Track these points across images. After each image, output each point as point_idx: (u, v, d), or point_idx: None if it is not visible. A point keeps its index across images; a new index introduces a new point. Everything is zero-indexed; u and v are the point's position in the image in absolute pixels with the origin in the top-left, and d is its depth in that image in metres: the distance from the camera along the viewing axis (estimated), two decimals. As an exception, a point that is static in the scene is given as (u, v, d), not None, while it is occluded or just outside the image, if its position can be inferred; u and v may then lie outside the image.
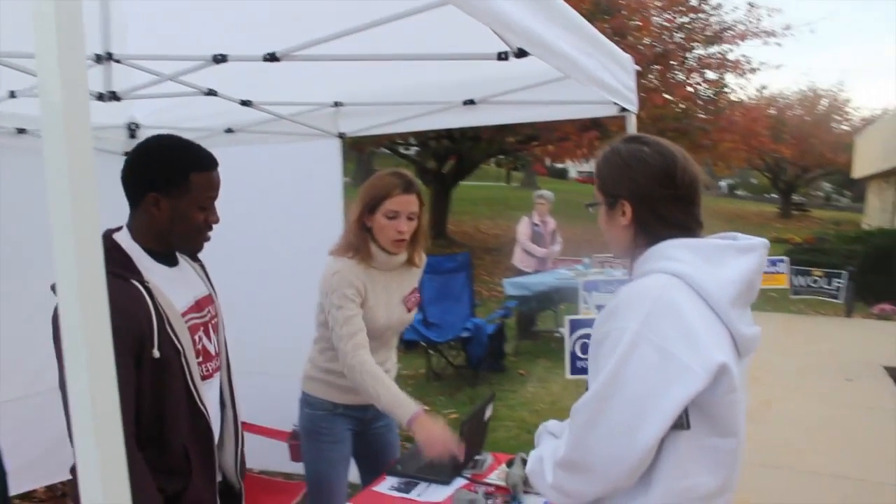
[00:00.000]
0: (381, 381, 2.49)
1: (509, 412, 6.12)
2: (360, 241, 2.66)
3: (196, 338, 2.00)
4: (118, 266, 1.82)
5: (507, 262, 15.13)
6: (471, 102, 3.84)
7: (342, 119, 4.27)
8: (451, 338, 6.90)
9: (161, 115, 3.92)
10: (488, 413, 2.81)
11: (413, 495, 2.48)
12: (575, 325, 5.60)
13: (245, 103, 3.48)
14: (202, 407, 1.95)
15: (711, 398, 1.45)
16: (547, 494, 1.62)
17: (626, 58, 3.41)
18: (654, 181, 1.57)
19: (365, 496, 2.50)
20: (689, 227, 1.59)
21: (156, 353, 1.80)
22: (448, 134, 16.01)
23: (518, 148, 16.68)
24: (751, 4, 18.12)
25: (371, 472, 2.82)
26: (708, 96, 16.59)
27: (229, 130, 4.06)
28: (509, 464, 2.54)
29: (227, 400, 2.19)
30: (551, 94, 3.61)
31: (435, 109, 3.93)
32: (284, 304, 4.19)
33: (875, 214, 23.86)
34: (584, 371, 5.54)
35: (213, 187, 1.95)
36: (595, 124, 13.27)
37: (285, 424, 3.57)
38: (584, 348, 5.61)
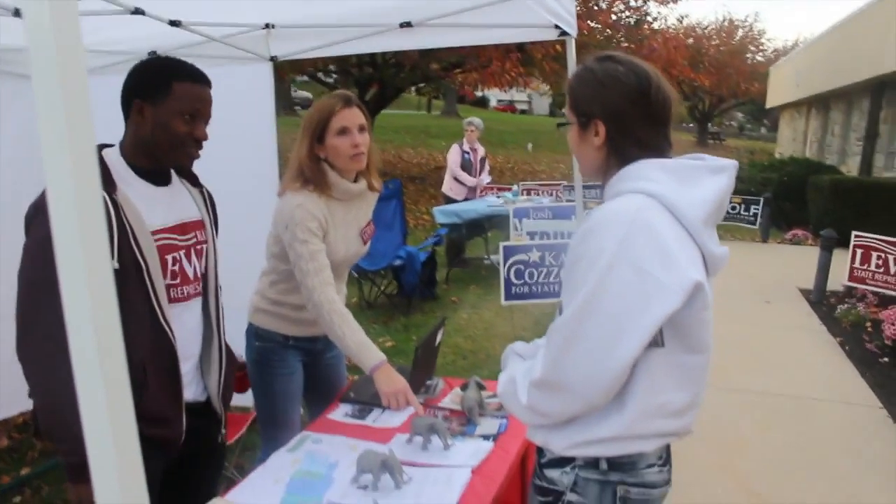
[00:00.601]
0: (348, 322, 2.46)
1: (445, 338, 6.19)
2: (316, 173, 2.56)
3: (169, 258, 1.98)
4: None
5: (431, 190, 15.27)
6: (407, 25, 3.74)
7: (273, 42, 4.12)
8: (384, 266, 6.88)
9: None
10: (439, 338, 2.82)
11: (368, 421, 2.49)
12: (509, 252, 5.70)
13: (174, 23, 3.31)
14: (165, 326, 1.93)
15: (686, 316, 1.49)
16: (520, 415, 1.64)
17: None
18: (628, 100, 1.56)
19: (320, 423, 2.49)
20: (661, 147, 1.59)
21: (114, 265, 1.78)
22: (371, 60, 15.70)
23: (441, 75, 16.50)
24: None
25: (321, 403, 2.80)
26: (630, 24, 16.69)
27: (153, 53, 3.87)
28: (463, 387, 2.57)
29: (213, 325, 2.16)
30: (488, 18, 3.56)
31: (370, 32, 3.83)
32: (222, 242, 4.07)
33: (787, 144, 24.66)
34: (519, 297, 5.70)
35: (198, 99, 1.94)
36: (518, 48, 13.20)
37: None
38: (519, 274, 5.71)
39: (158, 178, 2.02)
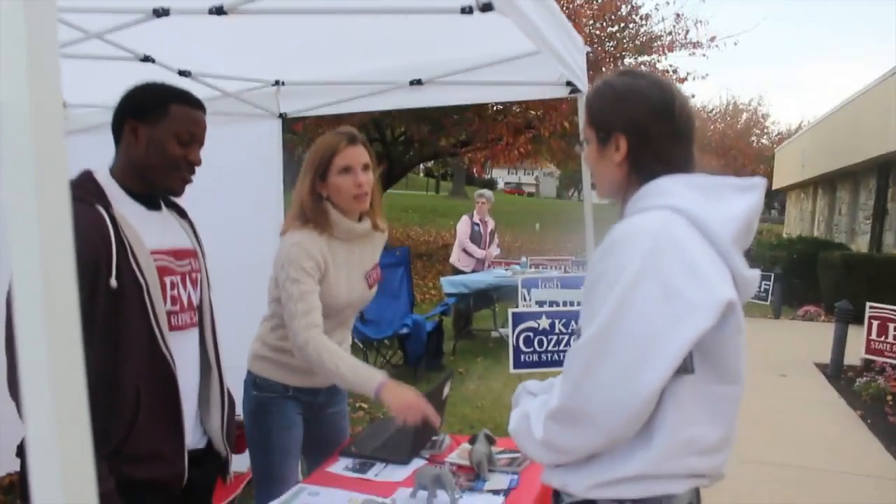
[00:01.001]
0: (338, 355, 2.32)
1: (451, 409, 6.00)
2: (317, 212, 2.46)
3: (168, 281, 1.88)
4: (83, 191, 1.77)
5: (439, 266, 15.26)
6: (418, 83, 3.73)
7: (283, 99, 4.11)
8: (390, 334, 6.75)
9: (80, 89, 3.36)
10: (446, 391, 2.68)
11: (370, 475, 2.35)
12: (518, 319, 5.58)
13: (183, 73, 3.29)
14: (165, 351, 1.81)
15: (718, 339, 1.37)
16: (534, 453, 1.51)
17: (578, 37, 3.37)
18: (651, 115, 1.48)
19: (317, 476, 2.35)
20: (684, 165, 1.50)
21: (113, 283, 1.69)
22: (380, 137, 15.86)
23: (451, 152, 16.65)
24: (678, 15, 18.53)
25: (320, 461, 2.65)
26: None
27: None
28: (472, 441, 2.42)
29: (212, 360, 2.03)
30: (500, 75, 3.55)
31: (380, 90, 3.82)
32: (223, 296, 3.96)
33: (795, 224, 24.65)
34: (528, 365, 5.55)
35: (194, 123, 1.90)
36: (528, 126, 13.34)
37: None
38: (528, 342, 5.57)
39: (149, 202, 1.94)
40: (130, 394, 1.75)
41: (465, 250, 8.91)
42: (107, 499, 1.62)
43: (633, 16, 16.30)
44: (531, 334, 5.54)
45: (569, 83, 3.48)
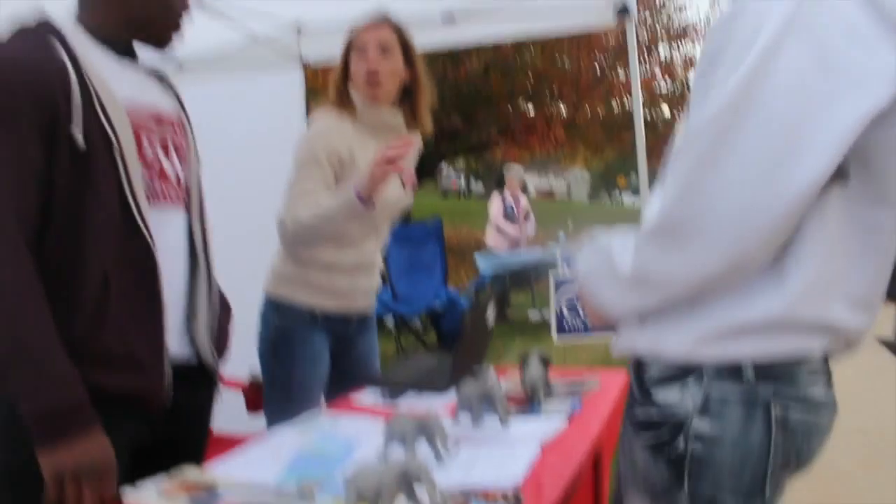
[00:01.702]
0: (318, 204, 2.06)
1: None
2: (341, 90, 2.23)
3: (144, 138, 1.49)
4: (28, 25, 1.40)
5: (471, 263, 14.89)
6: (450, 18, 3.37)
7: (305, 44, 3.74)
8: (423, 309, 6.38)
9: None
10: (491, 317, 2.28)
11: (402, 406, 1.96)
12: (560, 284, 5.20)
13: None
14: (142, 225, 1.42)
15: (884, 139, 0.96)
16: (616, 301, 1.12)
17: None
18: None
19: (339, 404, 1.98)
20: None
21: (77, 137, 1.33)
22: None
23: (481, 146, 16.27)
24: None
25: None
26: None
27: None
28: (523, 364, 2.00)
29: (200, 250, 1.62)
30: (538, 2, 3.28)
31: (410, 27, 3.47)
32: (236, 262, 3.54)
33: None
34: (573, 331, 5.14)
35: None
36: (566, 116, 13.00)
37: (240, 373, 2.91)
38: (572, 307, 5.18)
39: (123, 50, 1.53)
40: (97, 278, 1.36)
41: (499, 230, 8.49)
42: (78, 411, 1.28)
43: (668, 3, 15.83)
44: (575, 299, 5.14)
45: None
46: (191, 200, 1.63)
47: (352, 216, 2.02)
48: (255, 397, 2.97)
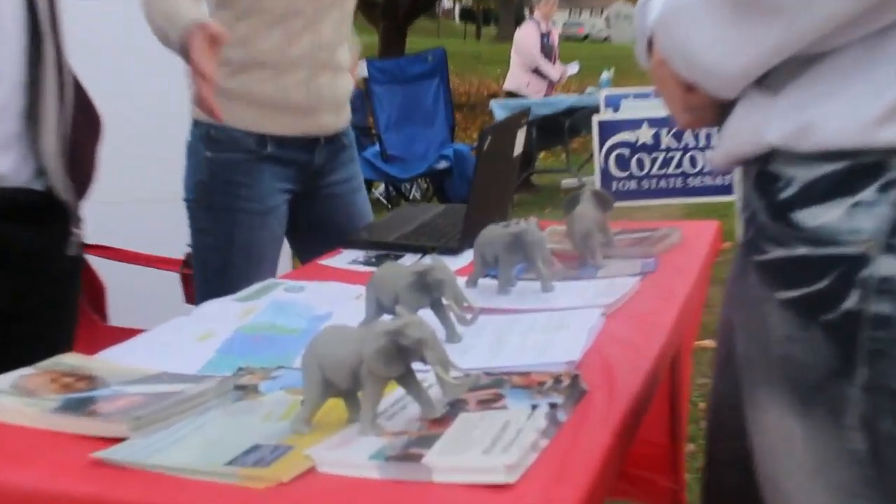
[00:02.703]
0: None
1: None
2: None
3: None
4: None
5: (484, 121, 14.70)
6: None
7: None
8: (423, 171, 6.20)
9: None
10: (519, 143, 2.04)
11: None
12: (606, 131, 5.03)
13: None
14: None
15: None
16: (722, 52, 0.89)
17: None
18: None
19: (305, 271, 1.87)
20: None
21: None
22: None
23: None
24: None
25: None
26: None
27: None
28: (570, 204, 1.74)
29: (45, 23, 1.47)
30: None
31: None
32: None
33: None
34: (623, 195, 4.93)
35: None
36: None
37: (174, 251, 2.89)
38: (622, 162, 5.00)
39: None
40: None
41: (535, 71, 8.14)
42: None
43: None
44: (626, 151, 4.97)
45: None
46: None
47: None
48: (191, 281, 2.86)
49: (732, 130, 0.96)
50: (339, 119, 2.22)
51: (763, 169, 0.92)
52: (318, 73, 2.13)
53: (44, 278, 1.54)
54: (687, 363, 1.87)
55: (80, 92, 1.60)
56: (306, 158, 2.19)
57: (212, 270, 2.16)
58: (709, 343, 4.02)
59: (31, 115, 1.45)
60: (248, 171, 2.12)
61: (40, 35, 1.47)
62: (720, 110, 0.97)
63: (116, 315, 2.53)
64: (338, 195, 2.29)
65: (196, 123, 2.14)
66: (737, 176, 4.02)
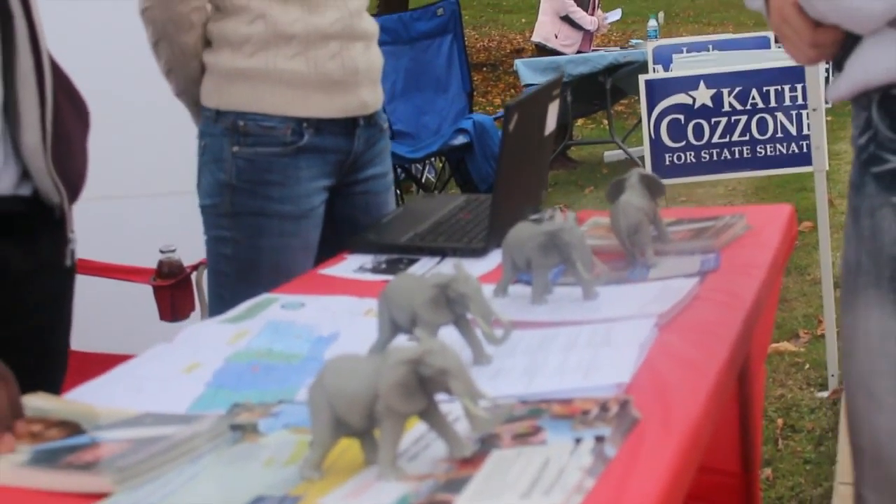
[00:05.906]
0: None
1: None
2: None
3: None
4: None
5: (509, 78, 14.86)
6: None
7: None
8: (437, 149, 6.28)
9: None
10: (552, 118, 2.14)
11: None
12: (656, 92, 5.03)
13: None
14: None
15: None
16: None
17: None
18: None
19: (303, 282, 1.96)
20: None
21: None
22: None
23: None
24: None
25: None
26: None
27: None
28: (615, 191, 1.80)
29: (17, 8, 1.52)
30: None
31: None
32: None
33: None
34: (674, 171, 4.98)
35: None
36: None
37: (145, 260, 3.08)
38: (676, 130, 5.01)
39: None
40: None
41: (567, 19, 8.28)
42: None
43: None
44: (681, 118, 4.98)
45: None
46: None
47: None
48: (174, 295, 2.92)
49: (865, 63, 1.21)
50: (377, 95, 2.36)
51: (888, 92, 1.21)
52: (350, 43, 2.22)
53: (34, 298, 1.60)
54: (759, 374, 1.93)
55: (59, 76, 1.64)
56: (346, 145, 2.29)
57: (228, 286, 2.22)
58: (784, 346, 4.07)
59: (7, 106, 1.51)
60: (282, 167, 2.20)
61: (9, 12, 1.52)
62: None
63: (75, 336, 2.62)
64: (373, 193, 2.42)
65: (218, 114, 2.22)
66: (815, 142, 4.10)
